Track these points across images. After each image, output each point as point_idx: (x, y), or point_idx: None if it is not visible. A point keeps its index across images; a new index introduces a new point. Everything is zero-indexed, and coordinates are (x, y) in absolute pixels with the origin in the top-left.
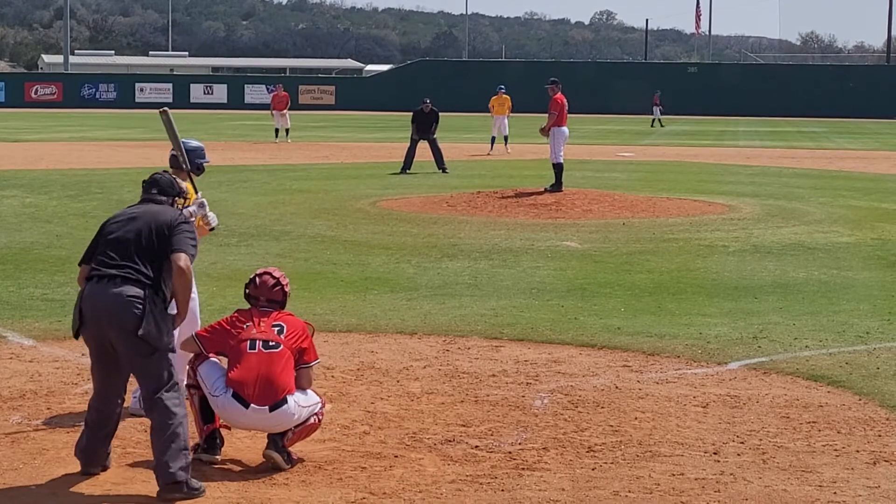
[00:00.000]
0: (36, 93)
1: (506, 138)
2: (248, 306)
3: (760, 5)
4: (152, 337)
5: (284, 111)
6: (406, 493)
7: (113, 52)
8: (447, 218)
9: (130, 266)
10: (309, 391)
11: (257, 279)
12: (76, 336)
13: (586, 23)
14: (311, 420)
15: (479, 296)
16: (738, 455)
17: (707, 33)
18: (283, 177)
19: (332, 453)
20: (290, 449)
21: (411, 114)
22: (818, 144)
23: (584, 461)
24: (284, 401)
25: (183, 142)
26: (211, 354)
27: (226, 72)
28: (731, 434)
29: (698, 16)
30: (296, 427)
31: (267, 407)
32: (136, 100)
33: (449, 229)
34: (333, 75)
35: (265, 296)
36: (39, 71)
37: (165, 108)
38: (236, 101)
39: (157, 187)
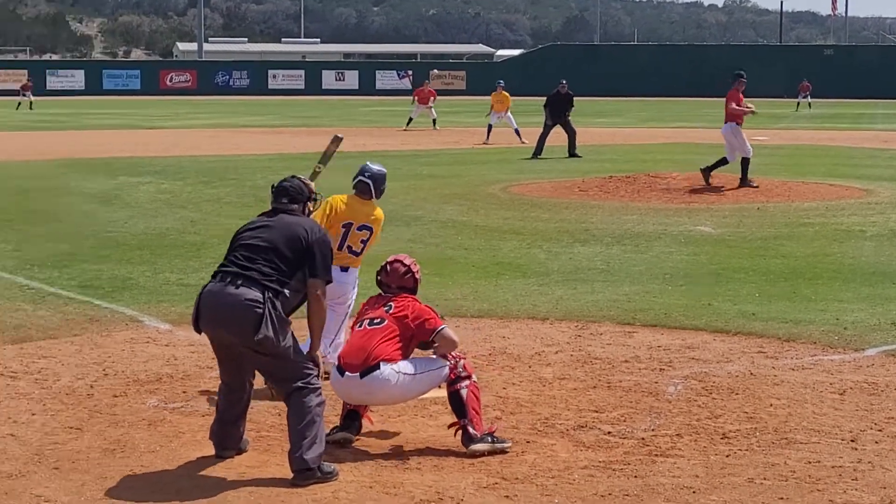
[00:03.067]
0: (171, 80)
1: (517, 131)
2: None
3: None
4: (269, 341)
5: (430, 105)
6: (538, 478)
7: (246, 39)
8: (579, 203)
9: (254, 269)
10: (434, 358)
11: (388, 266)
12: (197, 331)
13: (720, 5)
14: (460, 391)
15: (611, 281)
16: (876, 443)
17: (843, 15)
18: (414, 162)
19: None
20: (476, 428)
21: (545, 98)
22: None
23: (718, 448)
24: (377, 367)
25: (369, 165)
26: None
27: (357, 58)
28: (868, 421)
29: None
30: (458, 413)
31: (357, 374)
32: (269, 86)
33: (580, 214)
34: (464, 60)
35: (396, 283)
36: (174, 59)
37: (341, 136)
38: (367, 87)
39: (287, 196)
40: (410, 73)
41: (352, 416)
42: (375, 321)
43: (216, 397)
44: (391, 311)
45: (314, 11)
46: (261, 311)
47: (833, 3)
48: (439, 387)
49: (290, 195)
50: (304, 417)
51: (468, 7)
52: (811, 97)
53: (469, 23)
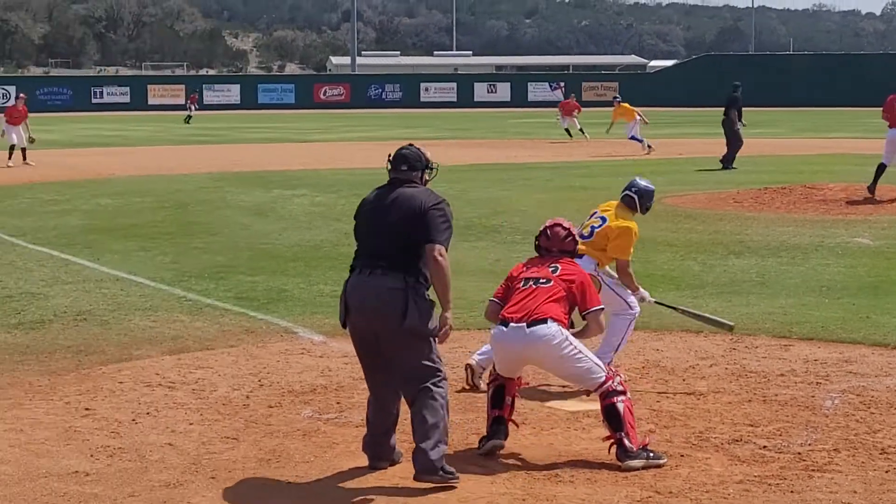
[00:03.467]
0: (324, 94)
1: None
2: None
3: None
4: (416, 327)
5: (573, 117)
6: (692, 492)
7: (398, 52)
8: (733, 214)
9: (389, 256)
10: (599, 357)
11: (549, 231)
12: (343, 325)
13: (878, 13)
14: (616, 404)
15: (766, 294)
16: None
17: None
18: (566, 174)
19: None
20: (633, 442)
21: (727, 104)
22: None
23: (876, 463)
24: (545, 321)
25: (637, 181)
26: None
27: (509, 70)
28: None
29: None
30: (613, 427)
31: (524, 324)
32: (421, 99)
33: (736, 226)
34: (617, 72)
35: (557, 247)
36: (328, 72)
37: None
38: (519, 98)
39: (406, 162)
40: (562, 84)
41: (498, 422)
42: (541, 281)
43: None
44: (558, 274)
45: (466, 24)
46: (405, 298)
47: None
48: (586, 395)
49: (409, 162)
50: (432, 418)
51: (620, 18)
52: None
53: (621, 34)
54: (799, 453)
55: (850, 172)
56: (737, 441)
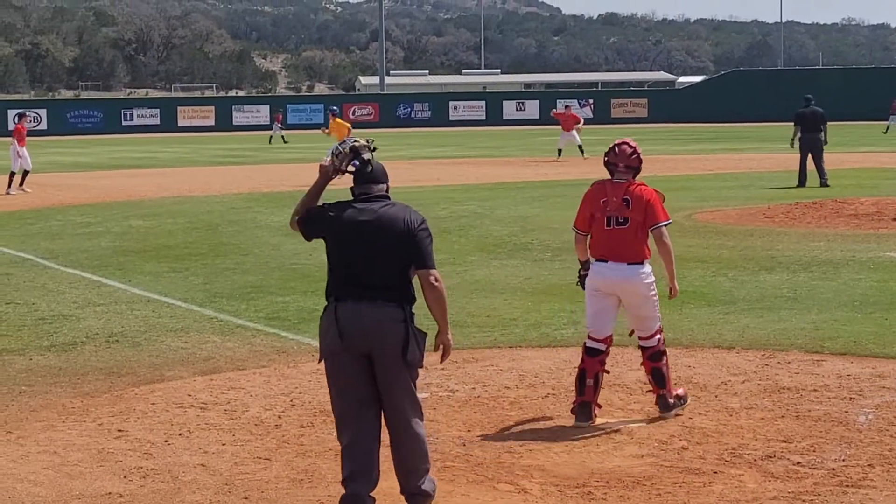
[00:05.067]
0: (354, 114)
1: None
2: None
3: None
4: (415, 360)
5: (571, 130)
6: None
7: (427, 71)
8: (764, 230)
9: (385, 284)
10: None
11: (616, 149)
12: (326, 358)
13: None
14: (661, 368)
15: (798, 309)
16: None
17: None
18: None
19: (650, 468)
20: (671, 397)
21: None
22: None
23: None
24: (642, 263)
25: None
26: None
27: (537, 87)
28: None
29: None
30: (658, 384)
31: (624, 263)
32: (450, 118)
33: (766, 241)
34: (646, 88)
35: (623, 163)
36: (357, 92)
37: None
38: (549, 116)
39: (373, 178)
40: (591, 101)
41: (583, 406)
42: (619, 221)
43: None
44: (630, 208)
45: (494, 42)
46: (406, 331)
47: None
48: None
49: (376, 177)
50: (422, 449)
51: (649, 34)
52: None
53: (650, 50)
54: (833, 469)
55: (880, 187)
56: (770, 457)
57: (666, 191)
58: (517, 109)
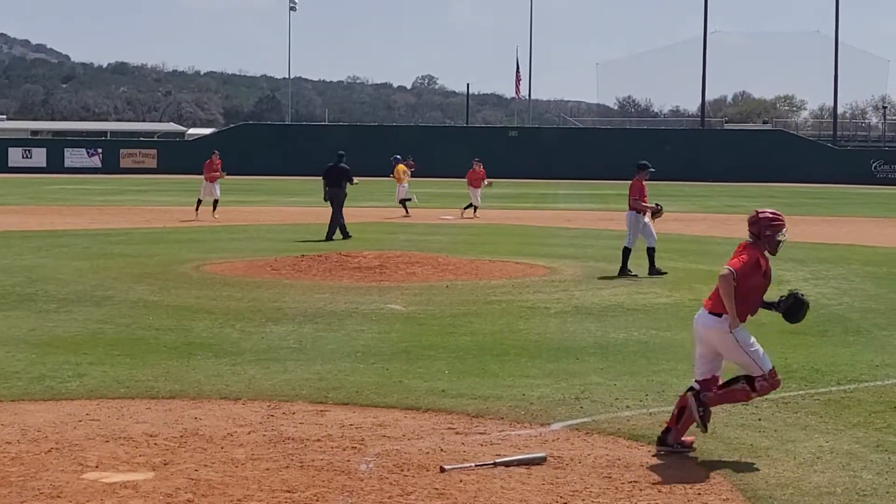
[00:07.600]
0: None
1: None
2: None
3: (578, 71)
4: None
5: (216, 182)
6: None
7: None
8: (271, 282)
9: None
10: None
11: (759, 215)
12: None
13: (408, 87)
14: (738, 386)
15: (303, 360)
16: None
17: (527, 98)
18: (104, 241)
19: None
20: (674, 438)
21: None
22: None
23: None
24: (719, 315)
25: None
26: None
27: (45, 135)
28: (554, 495)
29: (518, 80)
30: (719, 389)
31: (707, 310)
32: None
33: (273, 293)
34: (156, 139)
35: (749, 228)
36: None
37: None
38: (56, 164)
39: None
40: (101, 150)
41: (665, 431)
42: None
43: None
44: (728, 261)
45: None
46: None
47: (517, 86)
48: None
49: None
50: None
51: (159, 85)
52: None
53: (160, 101)
54: None
55: (384, 241)
56: None
57: (176, 242)
58: (23, 157)
